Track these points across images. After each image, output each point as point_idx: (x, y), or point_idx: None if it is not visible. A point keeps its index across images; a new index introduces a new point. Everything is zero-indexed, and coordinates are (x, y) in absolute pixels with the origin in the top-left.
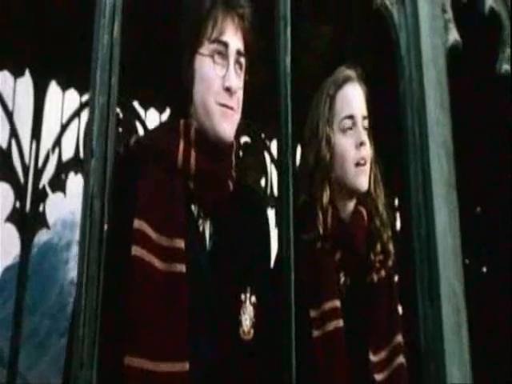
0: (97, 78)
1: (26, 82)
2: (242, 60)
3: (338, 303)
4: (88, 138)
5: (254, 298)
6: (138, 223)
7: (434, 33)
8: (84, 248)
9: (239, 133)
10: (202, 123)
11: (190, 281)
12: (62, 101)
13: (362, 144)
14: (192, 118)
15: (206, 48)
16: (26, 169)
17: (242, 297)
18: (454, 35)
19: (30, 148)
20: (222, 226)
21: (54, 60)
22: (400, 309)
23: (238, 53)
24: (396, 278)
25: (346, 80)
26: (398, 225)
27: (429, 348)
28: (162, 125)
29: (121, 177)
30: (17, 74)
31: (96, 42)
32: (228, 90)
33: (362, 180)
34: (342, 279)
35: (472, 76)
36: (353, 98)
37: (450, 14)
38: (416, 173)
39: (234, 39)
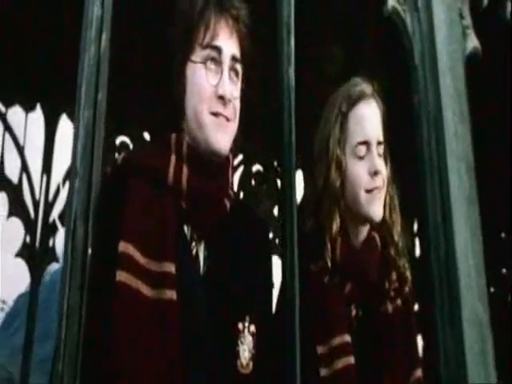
0: (82, 91)
1: (37, 115)
2: (238, 67)
3: (348, 338)
4: (72, 156)
5: (253, 328)
6: (123, 246)
7: (450, 40)
8: (66, 274)
9: (237, 146)
10: (195, 136)
11: (181, 309)
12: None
13: (376, 173)
14: (184, 132)
15: (198, 54)
16: (36, 203)
17: (240, 326)
18: (473, 42)
19: (41, 182)
20: (218, 248)
21: (64, 93)
22: (420, 340)
23: (233, 58)
24: (414, 307)
25: (361, 97)
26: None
27: (451, 382)
28: (152, 140)
29: (107, 197)
30: (28, 108)
31: (82, 53)
32: (221, 98)
33: (376, 208)
34: (353, 311)
35: (493, 85)
36: (367, 120)
37: (468, 20)
38: (433, 190)
39: (228, 44)
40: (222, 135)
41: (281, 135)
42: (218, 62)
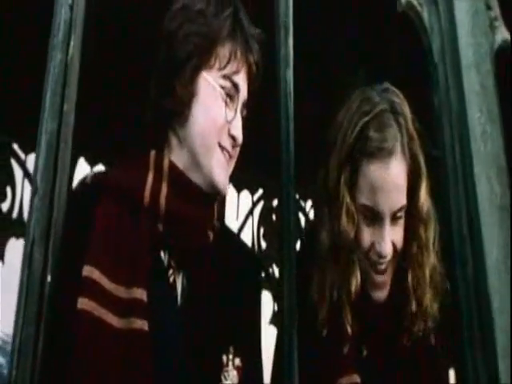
0: (46, 101)
1: None
2: (244, 114)
3: (357, 378)
4: (33, 172)
5: (238, 361)
6: (88, 270)
7: (475, 33)
8: (20, 305)
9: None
10: (196, 155)
11: (155, 341)
12: None
13: (382, 257)
14: (175, 141)
15: (214, 77)
16: None
17: (224, 359)
18: (502, 34)
19: None
20: (198, 277)
21: (82, 137)
22: (448, 376)
23: (243, 104)
24: (440, 337)
25: (381, 153)
26: None
27: None
28: (131, 154)
29: (72, 217)
30: None
31: (49, 61)
32: (233, 138)
33: (379, 294)
34: (365, 351)
35: None
36: (380, 190)
37: (496, 11)
38: (458, 198)
39: (243, 87)
40: (224, 173)
41: (277, 143)
42: (233, 99)
